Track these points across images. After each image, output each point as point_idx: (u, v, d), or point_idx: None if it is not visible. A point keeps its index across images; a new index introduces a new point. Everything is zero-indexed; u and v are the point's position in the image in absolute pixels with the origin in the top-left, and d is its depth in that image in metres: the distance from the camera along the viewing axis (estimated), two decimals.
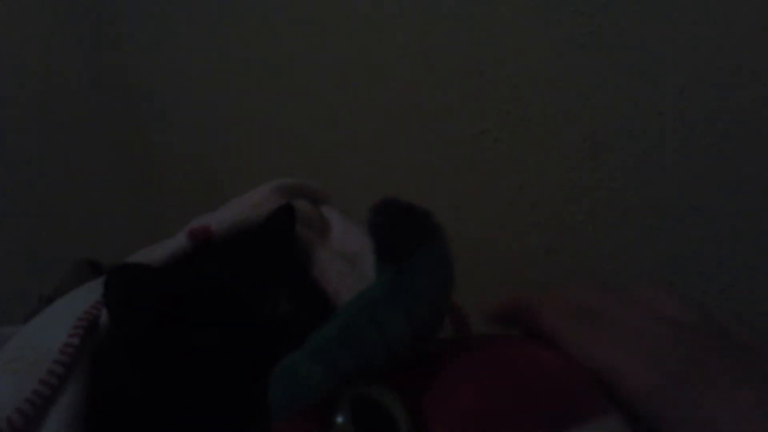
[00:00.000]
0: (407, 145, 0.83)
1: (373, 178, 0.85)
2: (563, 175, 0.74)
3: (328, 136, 0.90)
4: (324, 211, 0.49)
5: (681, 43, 0.65)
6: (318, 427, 0.26)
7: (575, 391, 0.27)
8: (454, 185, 0.80)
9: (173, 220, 0.46)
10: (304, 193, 0.49)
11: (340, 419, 0.26)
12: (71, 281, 0.54)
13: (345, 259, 0.42)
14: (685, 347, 0.26)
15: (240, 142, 1.02)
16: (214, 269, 0.38)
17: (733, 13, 0.61)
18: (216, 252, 0.40)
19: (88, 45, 1.03)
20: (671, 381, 0.25)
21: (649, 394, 0.26)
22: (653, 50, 0.66)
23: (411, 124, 0.81)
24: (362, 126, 0.84)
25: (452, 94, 0.78)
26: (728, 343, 0.28)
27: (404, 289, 0.27)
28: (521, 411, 0.25)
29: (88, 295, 0.41)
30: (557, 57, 0.71)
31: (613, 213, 0.72)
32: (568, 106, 0.72)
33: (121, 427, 0.35)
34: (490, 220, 0.79)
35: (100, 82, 1.05)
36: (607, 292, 0.31)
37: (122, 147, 1.10)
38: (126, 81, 1.07)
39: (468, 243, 0.57)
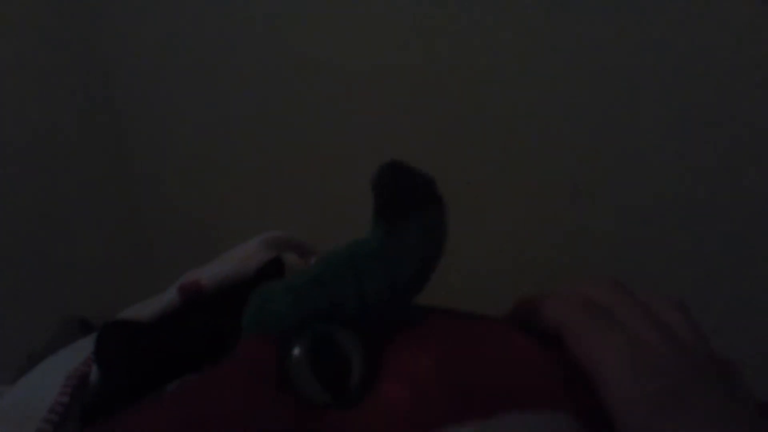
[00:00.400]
0: None
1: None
2: (547, 221, 0.75)
3: (322, 191, 0.92)
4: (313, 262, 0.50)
5: (663, 90, 0.67)
6: (274, 353, 0.26)
7: (532, 380, 0.27)
8: None
9: (164, 276, 0.47)
10: (292, 246, 0.49)
11: (296, 351, 0.26)
12: (60, 339, 0.52)
13: None
14: (672, 369, 0.26)
15: (233, 198, 1.03)
16: (203, 323, 0.39)
17: (717, 64, 0.64)
18: (206, 306, 0.40)
19: (81, 103, 1.07)
20: (648, 403, 0.25)
21: (625, 410, 0.26)
22: (635, 96, 0.69)
23: None
24: (358, 181, 0.86)
25: (434, 142, 0.80)
26: (711, 376, 0.27)
27: (391, 246, 0.28)
28: (471, 384, 0.26)
29: (77, 354, 0.41)
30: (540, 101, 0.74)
31: (598, 257, 0.73)
32: (551, 151, 0.74)
33: None
34: (476, 268, 0.79)
35: (91, 139, 1.08)
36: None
37: (113, 204, 1.11)
38: (119, 137, 1.10)
39: (453, 291, 0.57)
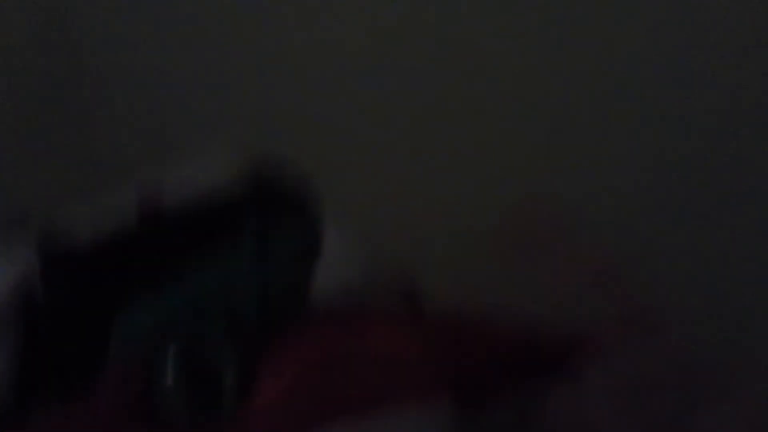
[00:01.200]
0: None
1: None
2: None
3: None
4: None
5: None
6: (140, 379, 0.26)
7: (401, 376, 0.28)
8: None
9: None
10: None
11: (168, 380, 0.26)
12: None
13: None
14: None
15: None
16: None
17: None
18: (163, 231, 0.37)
19: None
20: None
21: None
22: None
23: None
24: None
25: None
26: None
27: (255, 258, 0.29)
28: (341, 384, 0.27)
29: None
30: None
31: None
32: None
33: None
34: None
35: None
36: None
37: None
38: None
39: None
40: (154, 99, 0.96)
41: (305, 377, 0.27)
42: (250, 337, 0.28)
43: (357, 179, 0.60)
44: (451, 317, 0.32)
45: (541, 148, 0.59)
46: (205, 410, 0.26)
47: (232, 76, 0.83)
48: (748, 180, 0.59)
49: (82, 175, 1.02)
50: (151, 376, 0.26)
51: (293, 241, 0.29)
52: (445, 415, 0.28)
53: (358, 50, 0.70)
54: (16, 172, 0.94)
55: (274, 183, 0.29)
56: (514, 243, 0.35)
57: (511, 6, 0.61)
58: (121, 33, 0.93)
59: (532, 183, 0.57)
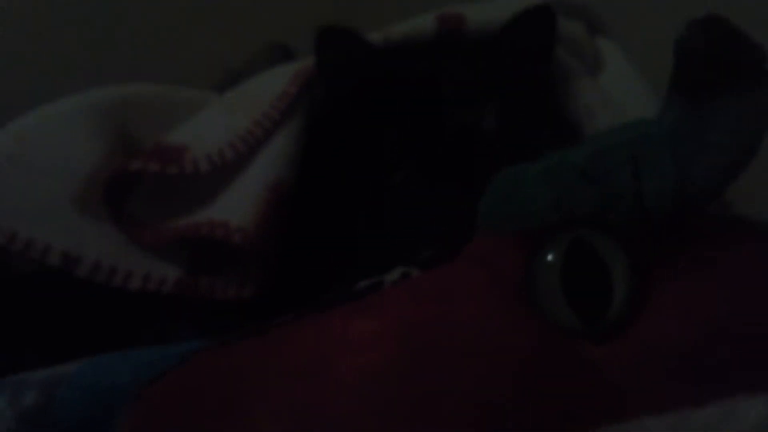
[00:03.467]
0: None
1: None
2: None
3: None
4: (602, 45, 0.42)
5: None
6: (521, 259, 0.21)
7: None
8: None
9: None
10: (583, 15, 0.43)
11: (550, 257, 0.21)
12: (263, 62, 0.51)
13: (611, 107, 0.36)
14: None
15: None
16: (433, 63, 0.36)
17: None
18: (457, 45, 0.37)
19: None
20: None
21: None
22: None
23: None
24: None
25: None
26: None
27: (689, 138, 0.21)
28: None
29: (294, 65, 0.40)
30: None
31: None
32: None
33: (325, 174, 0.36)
34: None
35: None
36: None
37: None
38: None
39: None
40: None
41: (730, 323, 0.20)
42: (651, 241, 0.22)
43: None
44: None
45: None
46: (586, 314, 0.21)
47: None
48: None
49: None
50: (533, 254, 0.21)
51: (738, 128, 0.21)
52: None
53: None
54: None
55: (741, 41, 0.21)
56: None
57: None
58: None
59: None
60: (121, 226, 0.33)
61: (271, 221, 0.33)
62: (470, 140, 0.34)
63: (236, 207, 0.33)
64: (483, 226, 0.23)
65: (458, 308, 0.21)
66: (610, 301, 0.20)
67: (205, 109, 0.38)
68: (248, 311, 0.33)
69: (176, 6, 0.85)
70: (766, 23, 0.51)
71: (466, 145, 0.33)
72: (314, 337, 0.21)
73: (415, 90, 0.35)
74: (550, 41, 0.36)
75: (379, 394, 0.19)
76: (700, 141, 0.21)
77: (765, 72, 0.21)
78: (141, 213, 0.34)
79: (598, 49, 0.42)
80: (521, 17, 0.35)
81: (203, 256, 0.34)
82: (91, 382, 0.23)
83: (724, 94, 0.21)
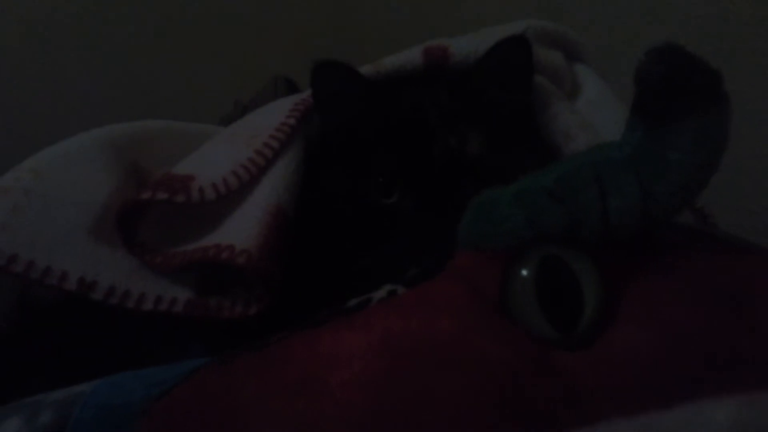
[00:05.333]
0: None
1: None
2: None
3: None
4: (579, 71, 0.44)
5: None
6: (497, 271, 0.23)
7: None
8: None
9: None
10: (560, 44, 0.44)
11: (524, 272, 0.22)
12: (268, 94, 0.55)
13: (588, 130, 0.37)
14: None
15: None
16: (420, 93, 0.38)
17: None
18: (442, 75, 0.39)
19: None
20: None
21: None
22: None
23: None
24: None
25: None
26: None
27: (650, 158, 0.23)
28: (739, 350, 0.21)
29: (295, 98, 0.42)
30: None
31: None
32: None
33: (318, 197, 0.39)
34: None
35: None
36: None
37: None
38: None
39: None
40: None
41: (698, 331, 0.21)
42: (616, 254, 0.23)
43: None
44: None
45: None
46: (560, 323, 0.22)
47: None
48: None
49: None
50: (509, 268, 0.23)
51: (698, 148, 0.23)
52: None
53: None
54: None
55: (696, 66, 0.23)
56: None
57: None
58: None
59: None
60: (134, 253, 0.35)
61: (273, 243, 0.34)
62: (456, 165, 0.36)
63: (240, 231, 0.34)
64: (463, 244, 0.25)
65: (440, 321, 0.22)
66: (581, 311, 0.22)
67: (211, 140, 0.40)
68: (254, 328, 0.34)
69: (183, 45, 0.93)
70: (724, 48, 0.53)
71: (453, 169, 0.35)
72: (307, 353, 0.23)
73: (405, 119, 0.37)
74: (528, 69, 0.38)
75: (365, 405, 0.21)
76: (661, 160, 0.22)
77: (720, 94, 0.22)
78: (152, 240, 0.36)
79: (576, 74, 0.44)
80: (497, 47, 0.37)
81: (211, 277, 0.35)
82: (106, 401, 0.24)
83: (682, 116, 0.22)
